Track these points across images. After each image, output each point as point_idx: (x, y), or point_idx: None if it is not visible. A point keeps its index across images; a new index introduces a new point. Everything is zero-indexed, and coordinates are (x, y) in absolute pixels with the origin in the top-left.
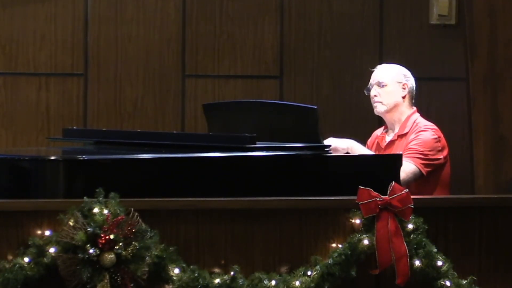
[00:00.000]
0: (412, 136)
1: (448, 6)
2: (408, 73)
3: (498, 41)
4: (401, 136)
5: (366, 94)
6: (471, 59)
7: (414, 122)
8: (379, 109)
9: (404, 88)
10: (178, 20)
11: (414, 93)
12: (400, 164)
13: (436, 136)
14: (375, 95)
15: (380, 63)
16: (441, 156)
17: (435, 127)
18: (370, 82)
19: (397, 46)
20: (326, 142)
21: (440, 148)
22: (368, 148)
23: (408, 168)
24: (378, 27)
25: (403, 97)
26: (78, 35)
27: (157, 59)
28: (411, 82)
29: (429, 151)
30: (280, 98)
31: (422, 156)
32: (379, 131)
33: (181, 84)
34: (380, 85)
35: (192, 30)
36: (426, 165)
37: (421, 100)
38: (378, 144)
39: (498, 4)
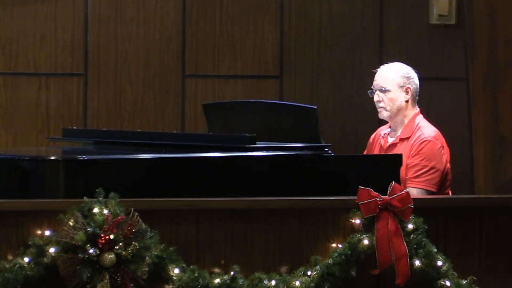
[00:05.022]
0: (415, 145)
1: (448, 6)
2: (412, 73)
3: (498, 41)
4: (403, 139)
5: (370, 96)
6: (471, 59)
7: (417, 125)
8: (383, 114)
9: (407, 92)
10: (178, 20)
11: (418, 92)
12: (401, 164)
13: (439, 145)
14: (378, 101)
15: (380, 63)
16: (448, 165)
17: (436, 132)
18: (373, 85)
19: (397, 46)
20: None
21: (445, 157)
22: (369, 145)
23: (421, 194)
24: (378, 27)
25: (407, 101)
26: (78, 35)
27: (157, 59)
28: (415, 82)
29: (436, 163)
30: (280, 98)
31: (432, 175)
32: (383, 130)
33: (181, 84)
34: (382, 91)
35: (192, 30)
36: (437, 183)
37: (421, 100)
38: (380, 144)
39: (498, 4)
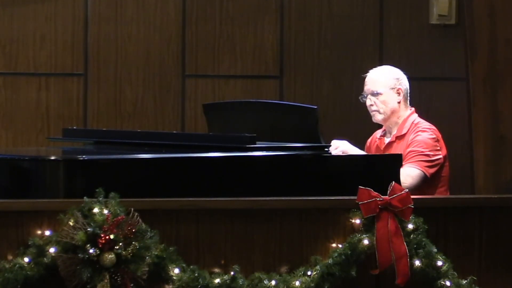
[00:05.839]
0: (411, 137)
1: (448, 6)
2: (400, 74)
3: (498, 41)
4: (399, 137)
5: (362, 101)
6: (471, 59)
7: (413, 123)
8: (377, 118)
9: (399, 93)
10: (178, 20)
11: (409, 93)
12: (400, 164)
13: (434, 136)
14: (371, 105)
15: (380, 63)
16: (441, 156)
17: (433, 127)
18: (364, 90)
19: (397, 46)
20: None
21: (439, 147)
22: (367, 149)
23: (414, 172)
24: (378, 27)
25: (399, 102)
26: (78, 35)
27: (157, 59)
28: (405, 83)
29: (429, 151)
30: (280, 98)
31: (425, 158)
32: (378, 133)
33: (181, 84)
34: (374, 94)
35: (192, 30)
36: (429, 167)
37: (421, 100)
38: (377, 146)
39: (498, 4)
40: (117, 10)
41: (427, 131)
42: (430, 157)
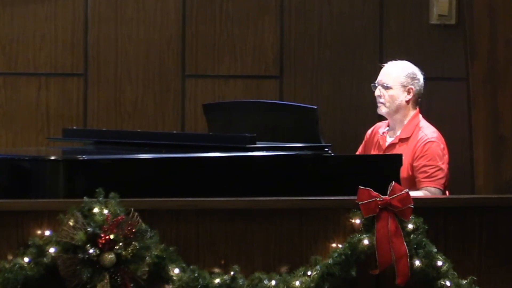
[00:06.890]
0: (418, 145)
1: (448, 6)
2: (418, 74)
3: (498, 41)
4: (402, 140)
5: (373, 89)
6: (471, 59)
7: (417, 126)
8: (381, 110)
9: (409, 92)
10: (178, 20)
11: (422, 93)
12: (401, 164)
13: (442, 146)
14: (379, 95)
15: (380, 63)
16: (447, 165)
17: (437, 133)
18: (377, 79)
19: (397, 46)
20: None
21: (446, 157)
22: (367, 140)
23: (439, 193)
24: (378, 27)
25: (407, 101)
26: (78, 35)
27: (157, 59)
28: (419, 84)
29: (442, 163)
30: (280, 98)
31: (441, 175)
32: (381, 128)
33: (181, 84)
34: (384, 87)
35: (192, 30)
36: (445, 181)
37: (421, 100)
38: (378, 142)
39: (498, 4)
40: (117, 10)
41: (435, 141)
42: (444, 171)
